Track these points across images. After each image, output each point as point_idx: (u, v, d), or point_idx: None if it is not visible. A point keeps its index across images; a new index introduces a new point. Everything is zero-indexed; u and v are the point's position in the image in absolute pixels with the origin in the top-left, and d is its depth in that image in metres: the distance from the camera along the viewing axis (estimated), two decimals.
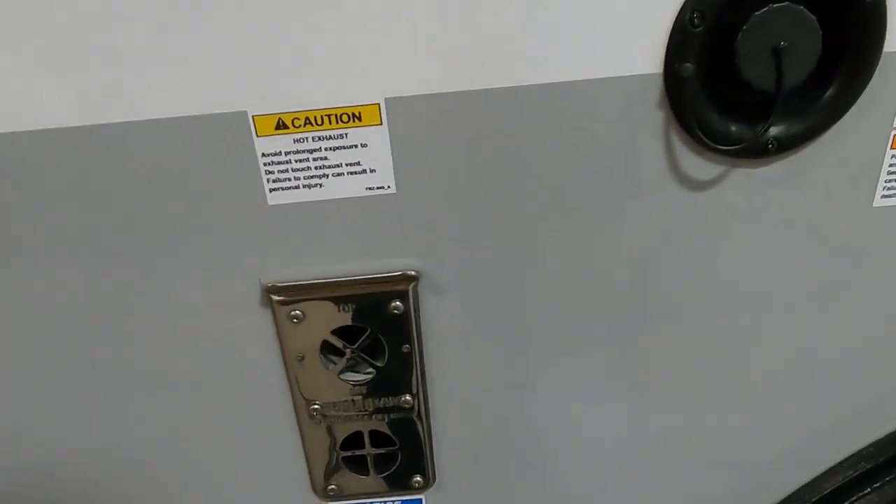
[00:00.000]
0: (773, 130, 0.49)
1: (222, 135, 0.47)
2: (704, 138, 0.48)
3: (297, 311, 0.53)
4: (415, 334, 0.55)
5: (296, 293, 0.53)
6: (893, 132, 0.49)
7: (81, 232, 0.50)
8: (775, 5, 0.44)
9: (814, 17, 0.45)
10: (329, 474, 0.62)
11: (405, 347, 0.56)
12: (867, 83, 0.47)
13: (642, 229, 0.52)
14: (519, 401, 0.60)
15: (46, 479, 0.62)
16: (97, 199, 0.49)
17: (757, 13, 0.44)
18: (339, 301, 0.53)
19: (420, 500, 0.65)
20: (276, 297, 0.53)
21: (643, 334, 0.57)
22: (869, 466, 0.64)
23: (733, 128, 0.49)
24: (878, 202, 0.52)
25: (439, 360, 0.57)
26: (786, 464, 0.64)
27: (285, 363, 0.56)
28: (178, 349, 0.55)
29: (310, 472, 0.62)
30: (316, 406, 0.58)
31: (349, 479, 0.63)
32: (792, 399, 0.61)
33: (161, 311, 0.53)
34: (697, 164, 0.50)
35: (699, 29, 0.45)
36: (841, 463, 0.65)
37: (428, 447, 0.61)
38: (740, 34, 0.45)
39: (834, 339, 0.58)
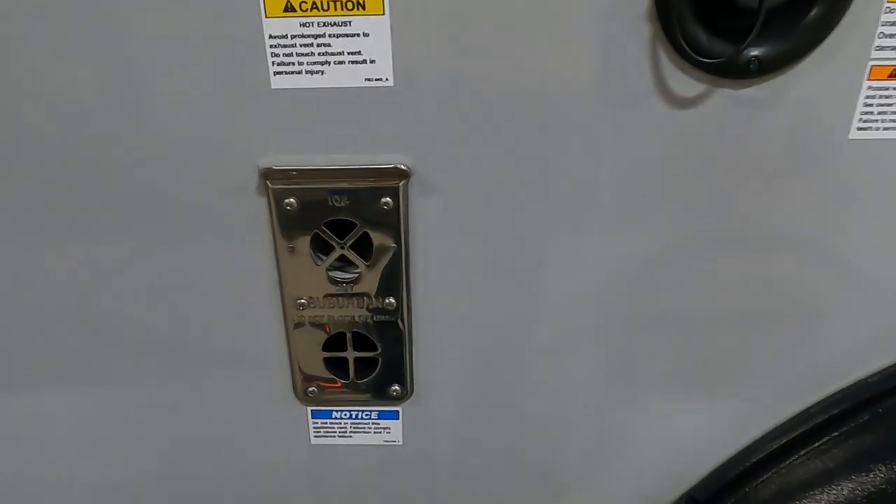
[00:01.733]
0: (756, 51, 0.51)
1: (233, 12, 0.50)
2: (689, 51, 0.50)
3: (291, 199, 0.56)
4: (403, 233, 0.57)
5: (291, 179, 0.55)
6: (871, 63, 0.52)
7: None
8: None
9: None
10: (310, 375, 0.65)
11: (393, 247, 0.58)
12: (846, 9, 0.49)
13: (624, 139, 0.54)
14: (504, 316, 0.62)
15: None
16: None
17: None
18: (331, 193, 0.56)
19: (397, 412, 0.67)
20: (271, 183, 0.55)
21: (632, 230, 0.59)
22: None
23: (718, 45, 0.51)
24: (854, 134, 0.54)
25: (425, 266, 0.60)
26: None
27: (276, 254, 0.59)
28: (169, 231, 0.57)
29: (291, 372, 0.64)
30: (302, 301, 0.60)
31: (329, 382, 0.65)
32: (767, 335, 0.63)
33: (154, 189, 0.56)
34: (683, 81, 0.52)
35: None
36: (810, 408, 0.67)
37: (408, 355, 0.64)
38: None
39: (804, 277, 0.60)
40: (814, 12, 0.50)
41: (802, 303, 0.61)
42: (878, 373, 0.64)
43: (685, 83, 0.53)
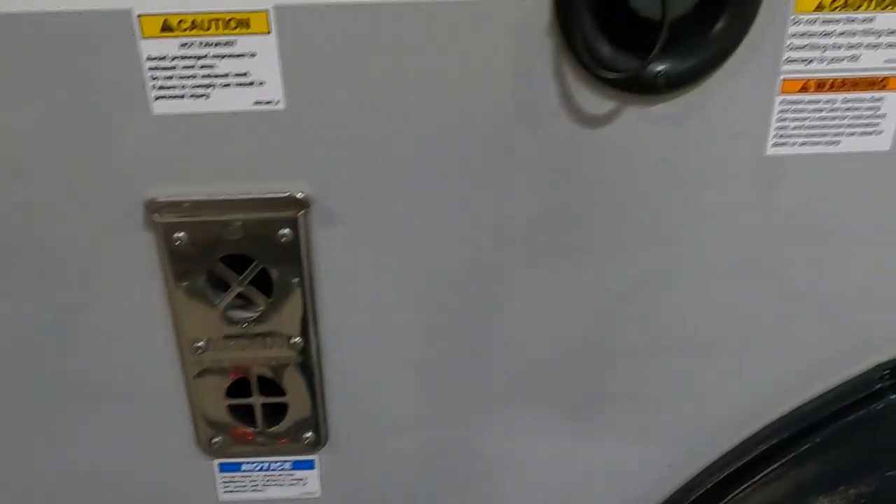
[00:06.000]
0: (663, 65, 0.49)
1: (105, 34, 0.46)
2: (593, 65, 0.48)
3: (182, 234, 0.52)
4: (305, 268, 0.53)
5: (179, 212, 0.51)
6: (782, 76, 0.50)
7: None
8: None
9: None
10: (214, 425, 0.59)
11: (295, 282, 0.54)
12: (752, 22, 0.48)
13: (537, 156, 0.52)
14: (422, 351, 0.58)
15: None
16: None
17: None
18: (224, 225, 0.52)
19: (312, 461, 0.62)
20: (158, 217, 0.51)
21: (546, 268, 0.56)
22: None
23: (623, 60, 0.49)
24: (771, 150, 0.53)
25: (334, 301, 0.56)
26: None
27: (168, 293, 0.54)
28: (49, 270, 0.53)
29: (193, 422, 0.59)
30: (200, 344, 0.56)
31: (236, 431, 0.60)
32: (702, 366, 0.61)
33: (32, 226, 0.51)
34: (590, 99, 0.50)
35: None
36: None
37: (320, 399, 0.59)
38: None
39: (728, 302, 0.58)
40: (719, 25, 0.48)
41: (728, 331, 0.58)
42: (814, 400, 0.62)
43: (595, 100, 0.51)
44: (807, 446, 0.61)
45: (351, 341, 0.58)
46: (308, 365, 0.57)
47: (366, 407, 0.60)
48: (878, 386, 0.61)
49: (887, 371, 0.61)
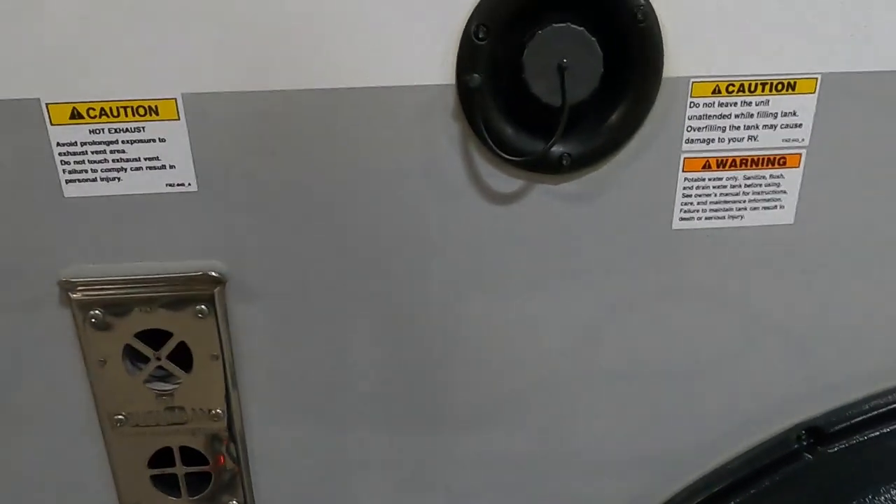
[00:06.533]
0: (567, 147, 0.50)
1: (15, 121, 0.47)
2: (496, 149, 0.49)
3: (97, 311, 0.52)
4: (223, 340, 0.54)
5: (95, 292, 0.52)
6: (683, 155, 0.52)
7: None
8: (557, 25, 0.47)
9: (594, 39, 0.47)
10: (137, 495, 0.59)
11: (214, 354, 0.54)
12: (650, 106, 0.50)
13: (449, 236, 0.53)
14: (339, 418, 0.59)
15: None
16: None
17: (540, 31, 0.47)
18: (141, 302, 0.52)
19: None
20: (74, 295, 0.52)
21: (444, 367, 0.57)
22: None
23: (527, 142, 0.50)
24: (677, 224, 0.54)
25: (252, 371, 0.56)
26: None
27: (87, 368, 0.54)
28: None
29: (117, 493, 0.59)
30: (120, 417, 0.56)
31: (160, 502, 0.60)
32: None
33: None
34: (499, 178, 0.52)
35: (484, 42, 0.47)
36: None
37: (243, 466, 0.59)
38: (526, 49, 0.47)
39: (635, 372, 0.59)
40: (618, 111, 0.50)
41: (639, 403, 0.60)
42: (735, 459, 0.63)
43: (504, 179, 0.52)
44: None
45: (272, 410, 0.58)
46: (230, 434, 0.58)
47: (289, 473, 0.61)
48: (796, 446, 0.62)
49: (804, 431, 0.62)
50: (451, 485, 0.62)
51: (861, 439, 0.62)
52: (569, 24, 0.47)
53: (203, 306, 0.52)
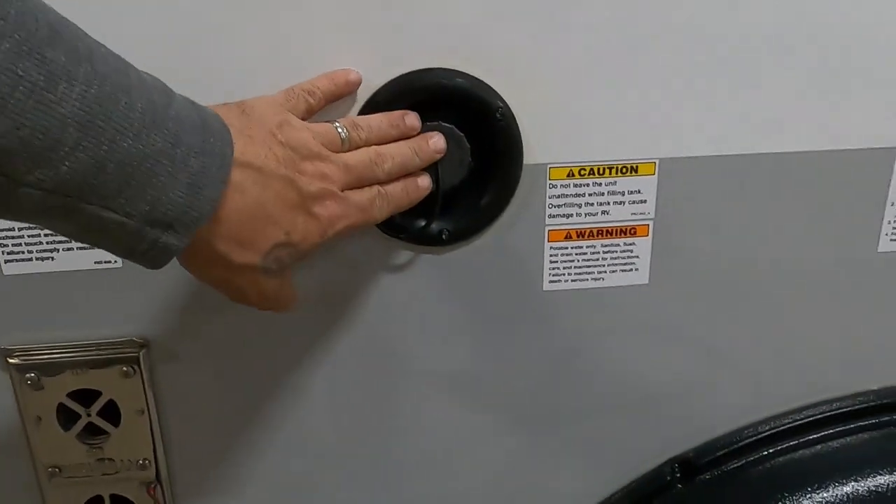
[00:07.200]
0: (446, 223, 0.59)
1: None
2: (387, 231, 0.58)
3: (33, 374, 0.58)
4: (147, 398, 0.61)
5: (31, 356, 0.58)
6: (548, 228, 0.61)
7: None
8: (430, 123, 0.56)
9: (462, 134, 0.56)
10: None
11: (140, 410, 0.61)
12: (515, 188, 0.58)
13: (349, 303, 0.61)
14: (268, 468, 0.66)
15: None
16: None
17: None
18: (72, 365, 0.59)
19: None
20: (11, 360, 0.58)
21: (366, 394, 0.64)
22: None
23: (411, 220, 0.58)
24: (547, 286, 0.62)
25: (176, 423, 0.63)
26: None
27: (24, 425, 0.60)
28: None
29: None
30: (55, 469, 0.62)
31: None
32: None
33: None
34: (396, 253, 0.60)
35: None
36: None
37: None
38: None
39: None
40: (488, 193, 0.58)
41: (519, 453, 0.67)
42: (614, 494, 0.71)
43: (396, 252, 0.60)
44: None
45: (198, 460, 0.65)
46: (158, 480, 0.64)
47: None
48: (669, 478, 0.70)
49: (677, 464, 0.70)
50: None
51: (726, 469, 0.70)
52: (440, 122, 0.56)
53: (128, 367, 0.59)
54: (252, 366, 0.62)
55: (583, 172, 0.59)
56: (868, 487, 0.67)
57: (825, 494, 0.67)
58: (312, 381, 0.63)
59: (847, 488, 0.67)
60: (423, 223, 0.58)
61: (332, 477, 0.67)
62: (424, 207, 0.57)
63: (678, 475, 0.70)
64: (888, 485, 0.68)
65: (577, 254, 0.62)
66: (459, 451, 0.67)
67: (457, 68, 0.55)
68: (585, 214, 0.60)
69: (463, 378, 0.64)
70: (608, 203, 0.60)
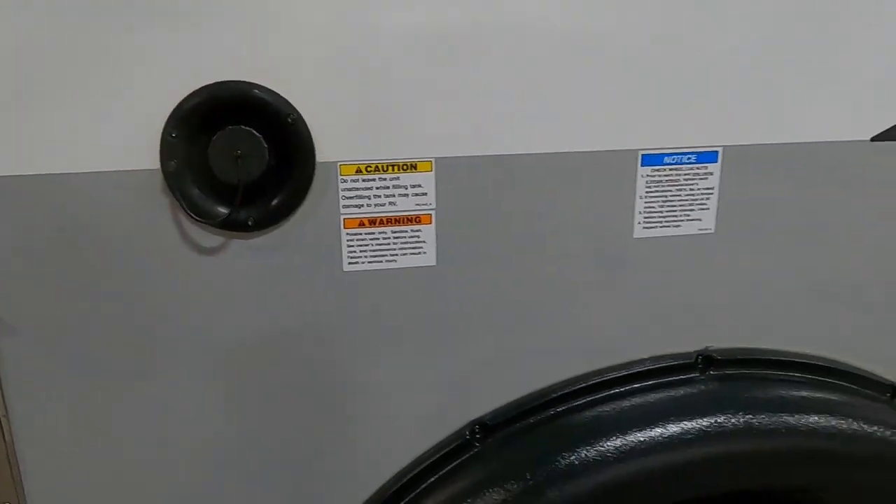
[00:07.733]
0: (251, 212, 0.69)
1: None
2: (197, 217, 0.67)
3: None
4: None
5: None
6: (342, 216, 0.71)
7: None
8: (230, 127, 0.66)
9: (259, 136, 0.67)
10: None
11: None
12: (311, 182, 0.69)
13: (170, 289, 0.70)
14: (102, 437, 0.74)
15: None
16: None
17: (220, 131, 0.66)
18: None
19: None
20: None
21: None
22: None
23: (222, 210, 0.68)
24: (347, 268, 0.73)
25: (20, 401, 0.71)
26: None
27: None
28: None
29: None
30: None
31: None
32: None
33: None
34: (209, 238, 0.69)
35: (176, 139, 0.65)
36: None
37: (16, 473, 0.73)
38: (210, 145, 0.66)
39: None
40: (286, 186, 0.69)
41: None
42: (426, 452, 0.80)
43: (208, 236, 0.70)
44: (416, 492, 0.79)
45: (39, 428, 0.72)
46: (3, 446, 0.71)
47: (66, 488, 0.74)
48: (468, 437, 0.80)
49: (477, 426, 0.81)
50: None
51: (518, 427, 0.81)
52: (241, 125, 0.66)
53: None
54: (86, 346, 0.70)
55: (369, 169, 0.70)
56: (639, 438, 0.79)
57: (609, 444, 0.78)
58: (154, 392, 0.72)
59: (629, 438, 0.79)
60: (226, 211, 0.68)
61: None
62: (232, 198, 0.67)
63: (478, 435, 0.81)
64: (656, 437, 0.80)
65: (370, 239, 0.72)
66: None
67: (255, 81, 0.66)
68: (375, 205, 0.71)
69: (274, 353, 0.74)
70: (394, 195, 0.71)
